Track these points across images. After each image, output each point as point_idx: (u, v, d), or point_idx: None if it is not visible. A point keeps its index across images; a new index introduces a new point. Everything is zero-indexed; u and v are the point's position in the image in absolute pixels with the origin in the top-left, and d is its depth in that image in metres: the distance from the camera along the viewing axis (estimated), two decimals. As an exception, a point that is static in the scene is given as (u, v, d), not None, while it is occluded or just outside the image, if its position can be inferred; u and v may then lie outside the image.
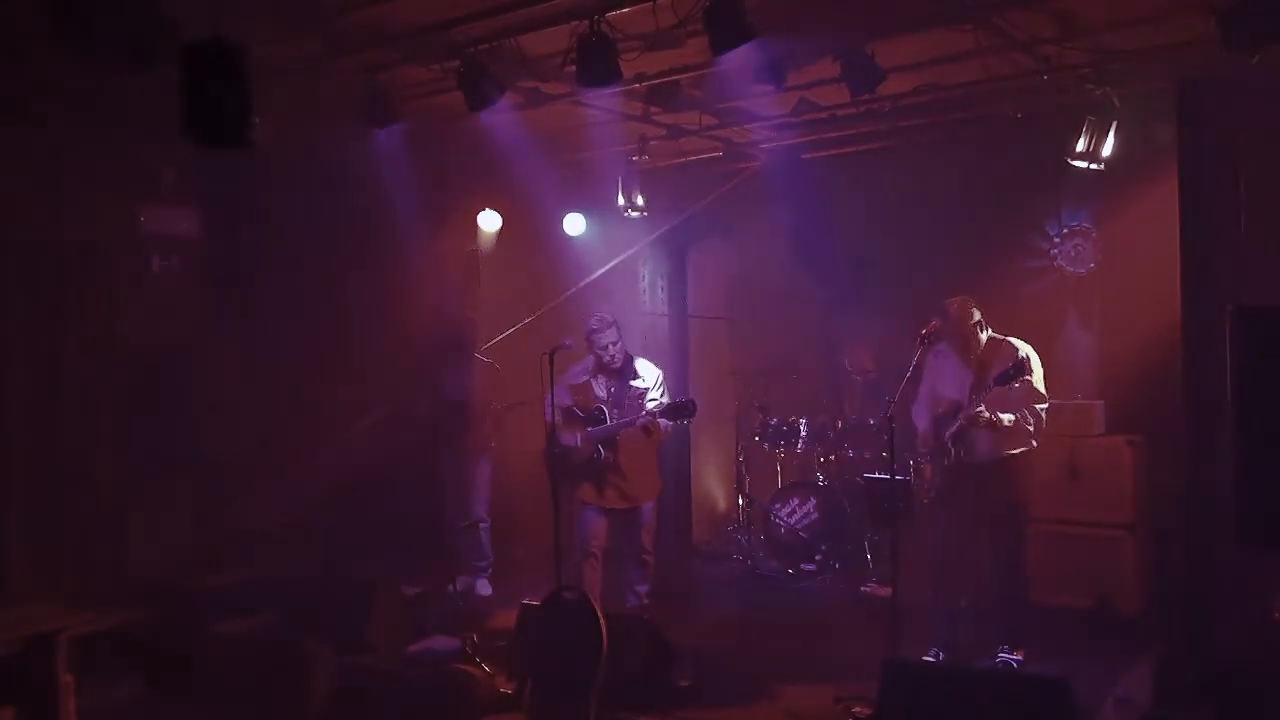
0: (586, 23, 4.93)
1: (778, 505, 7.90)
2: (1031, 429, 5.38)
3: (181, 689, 5.31)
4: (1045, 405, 5.40)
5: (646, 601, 6.21)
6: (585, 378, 6.16)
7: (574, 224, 8.40)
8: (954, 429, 5.38)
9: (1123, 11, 5.26)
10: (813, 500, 7.73)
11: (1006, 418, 5.29)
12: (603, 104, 6.62)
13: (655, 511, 6.29)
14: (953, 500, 5.52)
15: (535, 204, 8.09)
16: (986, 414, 5.25)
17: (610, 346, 6.03)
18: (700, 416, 6.16)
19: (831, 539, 7.64)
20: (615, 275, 8.42)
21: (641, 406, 5.96)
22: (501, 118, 6.25)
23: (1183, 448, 5.56)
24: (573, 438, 6.07)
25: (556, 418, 6.02)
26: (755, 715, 5.17)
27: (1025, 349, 5.42)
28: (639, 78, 5.85)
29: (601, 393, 6.10)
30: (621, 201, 7.89)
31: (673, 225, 8.52)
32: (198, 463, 6.58)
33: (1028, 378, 5.26)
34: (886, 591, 5.83)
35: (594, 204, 8.22)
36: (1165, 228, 5.81)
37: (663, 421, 5.86)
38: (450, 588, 6.61)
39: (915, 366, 5.33)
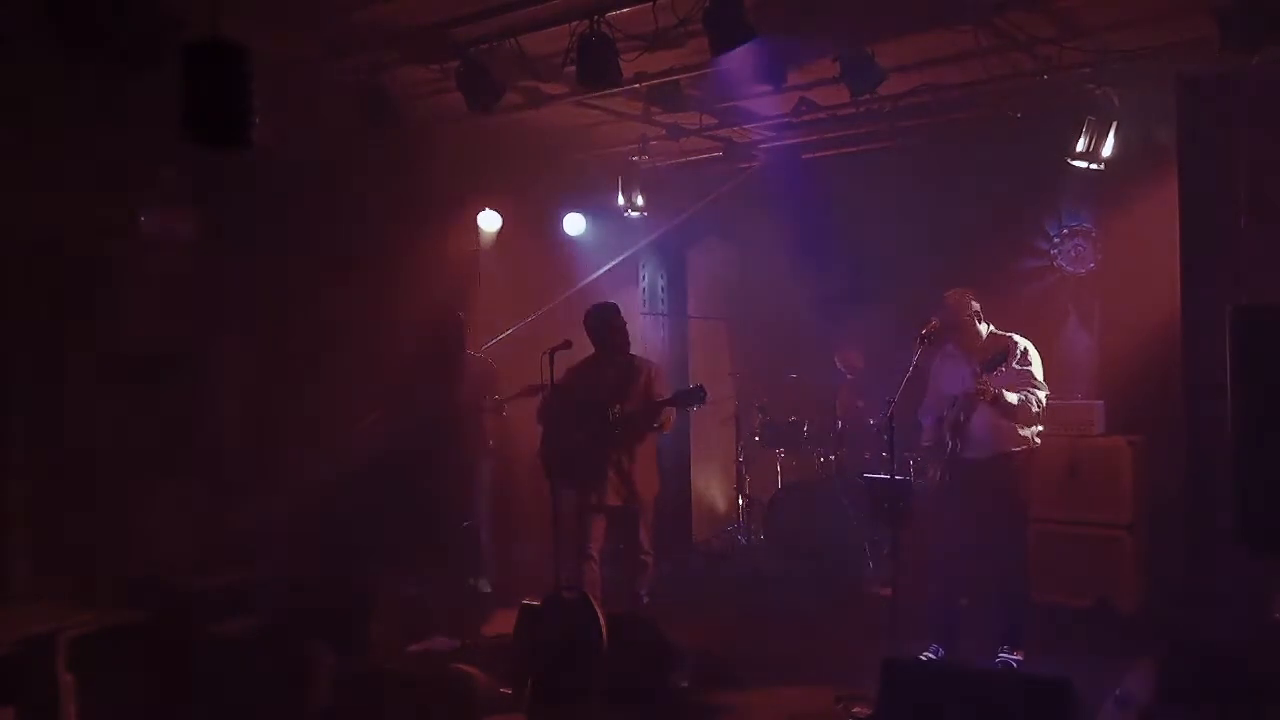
0: (586, 23, 4.94)
1: (778, 505, 7.90)
2: (1036, 412, 5.33)
3: (181, 689, 5.30)
4: (1045, 392, 5.38)
5: (646, 601, 6.20)
6: (588, 370, 6.14)
7: (574, 224, 8.40)
8: (953, 415, 5.35)
9: (1123, 11, 5.27)
10: (813, 500, 7.72)
11: (1012, 396, 5.25)
12: (603, 104, 6.62)
13: (654, 510, 6.28)
14: (953, 499, 5.52)
15: (535, 204, 8.10)
16: (990, 387, 5.19)
17: (625, 335, 6.09)
18: (700, 416, 6.16)
19: (831, 539, 7.63)
20: (615, 275, 8.43)
21: (647, 396, 5.95)
22: (501, 118, 6.26)
23: (1183, 448, 5.57)
24: (581, 430, 6.01)
25: (557, 412, 6.00)
26: (755, 715, 5.17)
27: (1024, 342, 5.42)
28: (639, 78, 5.85)
29: (606, 385, 6.09)
30: (621, 201, 7.90)
31: (673, 225, 8.53)
32: (198, 462, 6.58)
33: (1020, 367, 5.26)
34: (886, 591, 5.84)
35: (594, 204, 8.23)
36: (1165, 228, 5.81)
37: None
38: (451, 587, 6.61)
39: (915, 367, 5.32)
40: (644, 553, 6.18)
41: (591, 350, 6.15)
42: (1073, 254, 7.25)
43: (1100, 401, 6.72)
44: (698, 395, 5.78)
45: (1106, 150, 5.98)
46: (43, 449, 5.97)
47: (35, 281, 5.96)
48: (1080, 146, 5.99)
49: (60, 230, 5.99)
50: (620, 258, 8.41)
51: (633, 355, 6.20)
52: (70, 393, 6.07)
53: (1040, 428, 5.48)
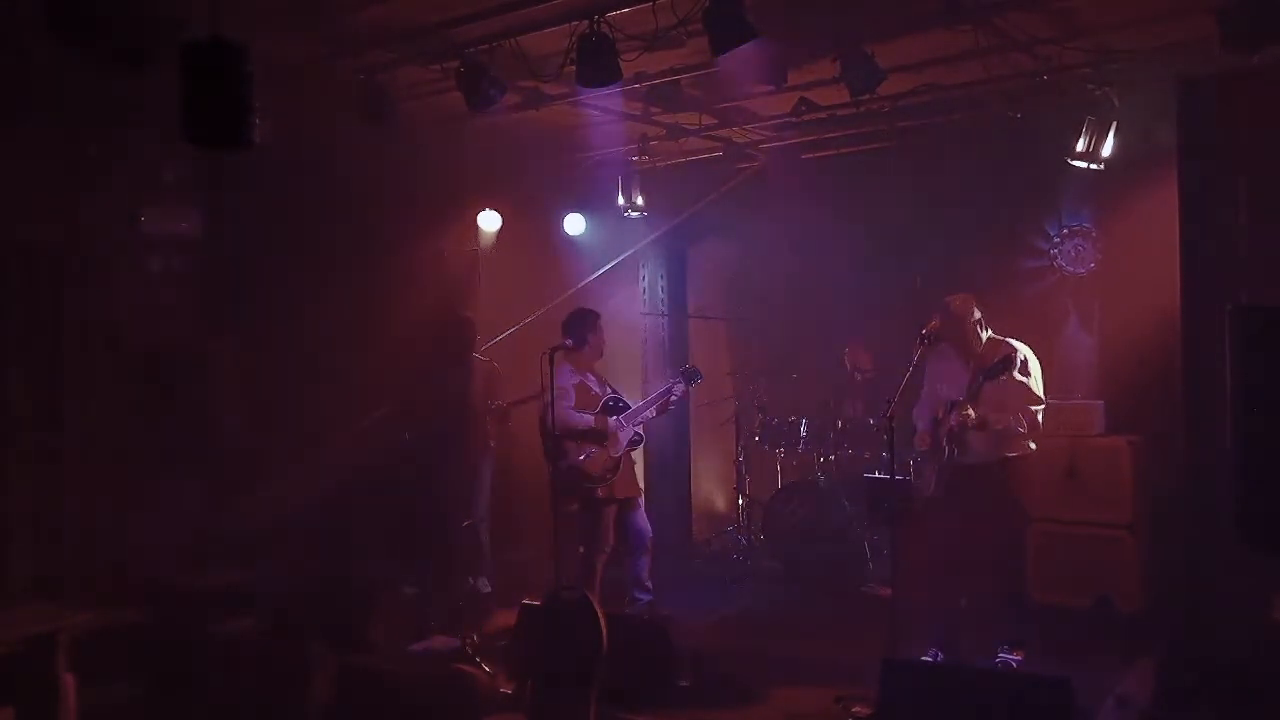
0: (586, 23, 4.94)
1: (778, 505, 7.90)
2: (1024, 431, 5.36)
3: (181, 689, 5.31)
4: (1040, 407, 5.37)
5: (651, 597, 6.23)
6: (578, 378, 6.18)
7: (574, 224, 8.40)
8: (948, 428, 5.37)
9: (1123, 11, 5.27)
10: (813, 500, 7.72)
11: (996, 420, 5.27)
12: (603, 104, 6.62)
13: None
14: (952, 500, 5.52)
15: (535, 204, 8.10)
16: (973, 415, 5.24)
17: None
18: (700, 416, 6.21)
19: (831, 539, 7.63)
20: (615, 275, 8.42)
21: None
22: (501, 118, 6.25)
23: (1183, 448, 5.57)
24: (620, 427, 6.15)
25: (575, 416, 6.05)
26: (755, 715, 5.17)
27: (1024, 350, 5.42)
28: (639, 78, 5.85)
29: (599, 388, 6.24)
30: (621, 201, 7.90)
31: (673, 225, 8.53)
32: (198, 462, 6.57)
33: (1020, 377, 5.26)
34: (886, 591, 5.84)
35: (594, 204, 8.23)
36: (1165, 228, 5.81)
37: (678, 388, 6.31)
38: (451, 587, 6.62)
39: (915, 366, 5.32)
40: (646, 539, 6.27)
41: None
42: (1073, 254, 7.24)
43: (1100, 401, 6.72)
44: (697, 373, 6.43)
45: (1106, 150, 5.98)
46: (43, 449, 5.98)
47: (35, 281, 5.97)
48: (1080, 146, 5.99)
49: (61, 230, 6.00)
50: (620, 258, 8.41)
51: None
52: (70, 393, 6.07)
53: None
